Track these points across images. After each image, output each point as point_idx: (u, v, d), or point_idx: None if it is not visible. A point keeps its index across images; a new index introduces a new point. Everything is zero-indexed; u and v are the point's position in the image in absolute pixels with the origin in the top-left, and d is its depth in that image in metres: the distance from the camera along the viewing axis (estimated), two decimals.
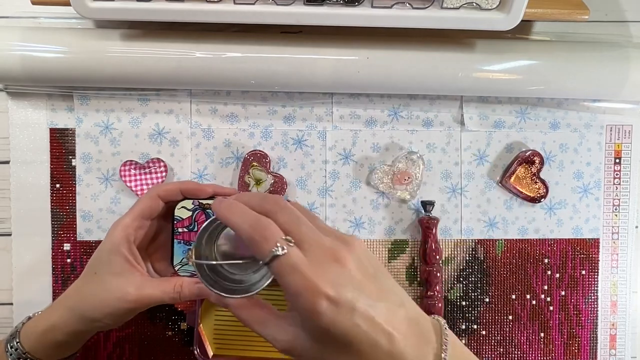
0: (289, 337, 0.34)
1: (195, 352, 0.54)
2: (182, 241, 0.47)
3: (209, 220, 0.38)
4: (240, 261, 0.38)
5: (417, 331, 0.34)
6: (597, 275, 0.58)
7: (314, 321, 0.32)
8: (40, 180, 0.56)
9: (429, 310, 0.56)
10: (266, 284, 0.37)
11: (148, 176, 0.56)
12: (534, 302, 0.58)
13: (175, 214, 0.47)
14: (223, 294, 0.37)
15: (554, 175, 0.58)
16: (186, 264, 0.46)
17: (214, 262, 0.39)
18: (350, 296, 0.32)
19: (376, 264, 0.35)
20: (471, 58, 0.52)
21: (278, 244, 0.32)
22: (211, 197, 0.47)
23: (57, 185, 0.56)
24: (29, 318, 0.46)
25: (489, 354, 0.58)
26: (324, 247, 0.33)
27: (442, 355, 0.33)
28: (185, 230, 0.47)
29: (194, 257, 0.37)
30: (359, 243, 0.35)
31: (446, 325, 0.35)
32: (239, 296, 0.37)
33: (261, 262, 0.33)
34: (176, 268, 0.47)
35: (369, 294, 0.33)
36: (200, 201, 0.47)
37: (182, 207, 0.47)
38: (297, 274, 0.32)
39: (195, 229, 0.47)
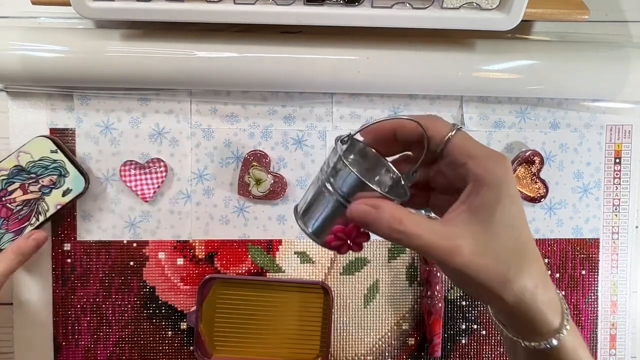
0: (458, 231, 0.32)
1: (195, 352, 0.54)
2: None
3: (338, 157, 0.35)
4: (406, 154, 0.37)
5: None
6: (597, 275, 0.58)
7: (503, 185, 0.32)
8: None
9: (429, 310, 0.56)
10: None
11: (148, 176, 0.56)
12: None
13: None
14: (391, 196, 0.34)
15: (554, 175, 0.58)
16: None
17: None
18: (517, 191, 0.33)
19: None
20: (471, 58, 0.52)
21: (455, 125, 0.34)
22: None
23: None
24: None
25: (489, 354, 0.58)
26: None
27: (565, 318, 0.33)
28: None
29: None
30: None
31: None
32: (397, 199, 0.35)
33: (440, 145, 0.34)
34: None
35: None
36: None
37: None
38: (480, 145, 0.33)
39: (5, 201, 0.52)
